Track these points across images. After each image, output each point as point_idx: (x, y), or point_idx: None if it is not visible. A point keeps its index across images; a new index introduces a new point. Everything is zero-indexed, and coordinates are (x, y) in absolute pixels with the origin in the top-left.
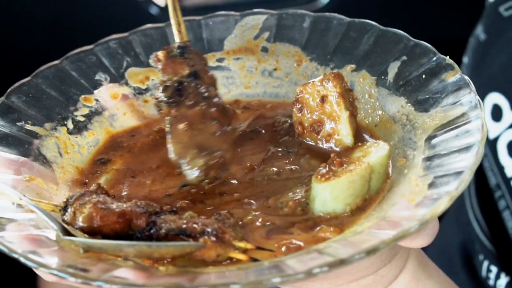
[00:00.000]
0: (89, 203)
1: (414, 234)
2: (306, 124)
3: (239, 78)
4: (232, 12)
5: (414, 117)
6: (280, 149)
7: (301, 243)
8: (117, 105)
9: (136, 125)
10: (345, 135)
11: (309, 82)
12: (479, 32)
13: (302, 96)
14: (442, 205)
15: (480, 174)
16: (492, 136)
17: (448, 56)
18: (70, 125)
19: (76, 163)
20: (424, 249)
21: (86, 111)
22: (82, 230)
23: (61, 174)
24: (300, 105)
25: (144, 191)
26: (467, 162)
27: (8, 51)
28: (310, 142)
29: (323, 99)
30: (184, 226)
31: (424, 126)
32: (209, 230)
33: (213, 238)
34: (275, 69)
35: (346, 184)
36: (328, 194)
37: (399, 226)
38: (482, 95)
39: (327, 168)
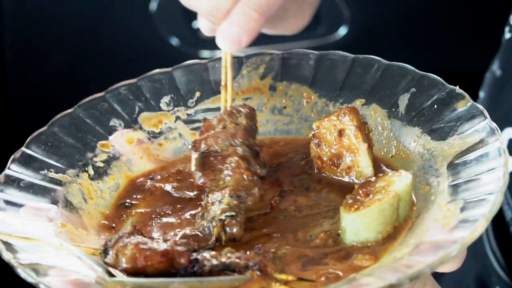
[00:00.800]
0: (130, 244)
1: None
2: (325, 159)
3: None
4: (237, 54)
5: (432, 145)
6: (297, 185)
7: (340, 272)
8: (133, 149)
9: (153, 168)
10: (365, 166)
11: (325, 117)
12: (495, 68)
13: (319, 132)
14: (480, 227)
15: None
16: (508, 170)
17: (458, 86)
18: (91, 171)
19: (101, 208)
20: (441, 280)
21: (104, 157)
22: (126, 271)
23: (88, 220)
24: (317, 140)
25: (174, 231)
26: (495, 185)
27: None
28: (329, 176)
29: (341, 133)
30: (227, 261)
31: (444, 153)
32: (251, 264)
33: (257, 272)
34: (285, 107)
35: (376, 212)
36: (360, 223)
37: (439, 250)
38: None
39: (354, 199)
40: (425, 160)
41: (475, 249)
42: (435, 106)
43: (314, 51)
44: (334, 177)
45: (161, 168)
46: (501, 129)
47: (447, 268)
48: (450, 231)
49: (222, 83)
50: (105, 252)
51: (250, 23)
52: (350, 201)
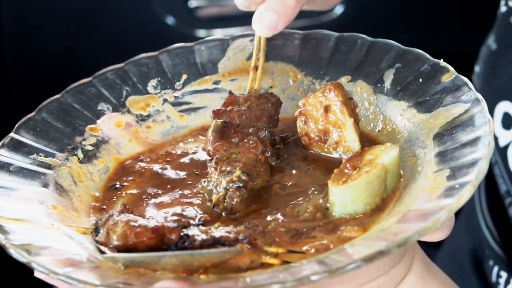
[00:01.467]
0: (121, 222)
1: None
2: (312, 135)
3: None
4: (222, 36)
5: (418, 118)
6: (282, 164)
7: (330, 244)
8: (121, 133)
9: (141, 150)
10: (352, 141)
11: (311, 94)
12: (491, 41)
13: (305, 109)
14: (466, 193)
15: (490, 181)
16: (502, 143)
17: (442, 59)
18: (80, 154)
19: (91, 191)
20: (436, 254)
21: (93, 140)
22: (117, 248)
23: (79, 202)
24: (304, 118)
25: (164, 210)
26: (481, 153)
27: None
28: (317, 153)
29: (327, 109)
30: (217, 235)
31: (430, 125)
32: (241, 237)
33: (247, 245)
34: (271, 87)
35: (363, 185)
36: (348, 195)
37: (428, 217)
38: (493, 103)
39: (341, 173)
40: (411, 132)
41: (469, 223)
42: (420, 80)
43: (299, 30)
44: (322, 153)
45: (150, 150)
46: (496, 103)
47: (436, 236)
48: (437, 199)
49: (252, 64)
50: (96, 230)
51: (287, 10)
52: (338, 174)
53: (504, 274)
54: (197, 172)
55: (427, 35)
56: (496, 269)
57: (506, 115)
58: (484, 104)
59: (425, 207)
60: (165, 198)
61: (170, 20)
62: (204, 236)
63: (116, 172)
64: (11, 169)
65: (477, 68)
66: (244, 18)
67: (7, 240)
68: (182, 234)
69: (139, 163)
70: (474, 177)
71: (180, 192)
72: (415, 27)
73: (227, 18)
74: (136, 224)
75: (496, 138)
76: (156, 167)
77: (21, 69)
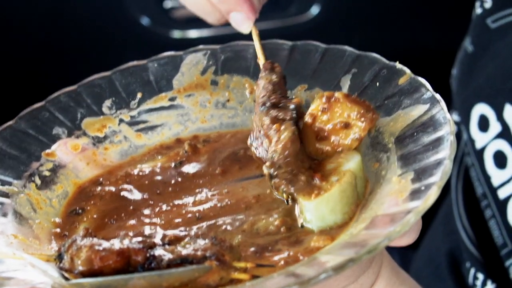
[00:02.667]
0: (85, 246)
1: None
2: (316, 123)
3: (194, 114)
4: (173, 52)
5: (377, 122)
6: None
7: (299, 255)
8: (78, 156)
9: (100, 173)
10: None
11: (353, 100)
12: (467, 44)
13: (333, 103)
14: (432, 195)
15: (467, 183)
16: (479, 146)
17: (398, 62)
18: (38, 181)
19: (51, 217)
20: (413, 257)
21: (50, 165)
22: (82, 274)
23: (40, 229)
24: (327, 107)
25: (128, 232)
26: (444, 153)
27: None
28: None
29: (346, 126)
30: (185, 253)
31: (390, 129)
32: (209, 254)
33: (215, 262)
34: (228, 100)
35: (338, 194)
36: (324, 208)
37: (396, 221)
38: (470, 106)
39: (309, 185)
40: (372, 137)
41: (446, 225)
42: (377, 84)
43: (251, 42)
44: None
45: (109, 172)
46: (473, 105)
47: (404, 241)
48: (403, 202)
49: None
50: (59, 257)
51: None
52: (306, 188)
53: (480, 276)
54: (158, 192)
55: (404, 34)
56: (472, 271)
57: (482, 117)
58: (443, 103)
59: (392, 211)
60: (128, 220)
61: (145, 20)
62: (170, 256)
63: (76, 196)
64: None
65: (454, 71)
66: None
67: None
68: (148, 255)
69: (98, 186)
70: (439, 178)
71: (143, 212)
72: (391, 26)
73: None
74: (101, 248)
75: (472, 141)
76: (116, 189)
77: None
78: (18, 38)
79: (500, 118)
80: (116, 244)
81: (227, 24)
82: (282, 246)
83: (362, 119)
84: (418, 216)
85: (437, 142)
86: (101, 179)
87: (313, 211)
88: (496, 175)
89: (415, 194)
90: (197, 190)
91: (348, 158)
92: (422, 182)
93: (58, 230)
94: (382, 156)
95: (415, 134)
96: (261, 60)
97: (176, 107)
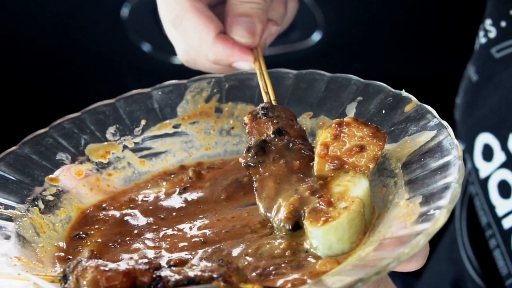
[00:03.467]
0: (90, 267)
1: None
2: (330, 153)
3: (198, 141)
4: (178, 81)
5: (384, 148)
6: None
7: (305, 278)
8: (82, 181)
9: (103, 198)
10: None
11: (361, 123)
12: (471, 73)
13: (346, 129)
14: (442, 217)
15: (471, 213)
16: (483, 175)
17: (403, 90)
18: (41, 205)
19: (54, 241)
20: (415, 285)
21: (54, 190)
22: None
23: (43, 253)
24: (338, 132)
25: (132, 256)
26: (452, 177)
27: None
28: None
29: (362, 149)
30: (192, 275)
31: (397, 155)
32: (216, 275)
33: (222, 283)
34: (233, 128)
35: (347, 222)
36: (332, 236)
37: (405, 243)
38: (474, 135)
39: (315, 210)
40: (379, 163)
41: (451, 254)
42: (383, 111)
43: (254, 71)
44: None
45: (112, 198)
46: (477, 134)
47: (412, 266)
48: (412, 225)
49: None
50: (64, 278)
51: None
52: (313, 212)
53: None
54: (162, 216)
55: (404, 61)
56: None
57: (486, 147)
58: (449, 130)
59: (401, 233)
60: (132, 244)
61: (146, 47)
62: (177, 276)
63: (79, 221)
64: None
65: (458, 100)
66: None
67: None
68: (154, 275)
69: (102, 211)
70: (448, 201)
71: (147, 237)
72: (392, 52)
73: None
74: (107, 268)
75: (476, 170)
76: (120, 214)
77: None
78: (19, 62)
79: (504, 147)
80: (122, 265)
81: None
82: (286, 269)
83: (375, 139)
84: (428, 238)
85: (445, 167)
86: (104, 204)
87: (321, 238)
88: (501, 205)
89: (424, 217)
90: (201, 215)
91: (355, 182)
92: (431, 205)
93: (61, 254)
94: (389, 181)
95: (422, 159)
96: (270, 96)
97: (180, 134)
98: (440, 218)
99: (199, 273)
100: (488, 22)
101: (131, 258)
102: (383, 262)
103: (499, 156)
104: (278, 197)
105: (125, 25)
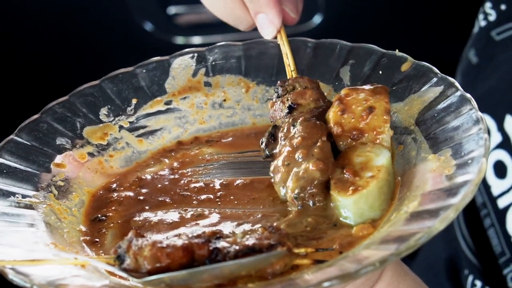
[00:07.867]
0: (147, 245)
1: None
2: (345, 128)
3: (191, 115)
4: (160, 58)
5: (392, 107)
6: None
7: (351, 238)
8: (86, 165)
9: (110, 180)
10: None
11: (358, 88)
12: (471, 55)
13: (347, 100)
14: (484, 163)
15: None
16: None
17: (397, 50)
18: (54, 191)
19: (76, 226)
20: (412, 263)
21: (63, 175)
22: (149, 272)
23: (70, 238)
24: (343, 107)
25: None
26: (477, 128)
27: None
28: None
29: (371, 109)
30: (250, 243)
31: (407, 112)
32: (273, 242)
33: (285, 248)
34: (225, 100)
35: (377, 191)
36: (364, 204)
37: (457, 194)
38: None
39: (341, 180)
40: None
41: (446, 233)
42: (380, 72)
43: (238, 42)
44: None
45: (118, 179)
46: None
47: None
48: (449, 179)
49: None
50: (119, 259)
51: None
52: (339, 183)
53: (478, 283)
54: (183, 193)
55: (405, 42)
56: (471, 278)
57: None
58: (457, 84)
59: (444, 186)
60: (158, 222)
61: (148, 26)
62: (236, 247)
63: (92, 205)
64: None
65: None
66: (223, 26)
67: (31, 281)
68: (211, 248)
69: (113, 192)
70: (483, 153)
71: (172, 212)
72: (394, 35)
73: (206, 25)
74: (164, 245)
75: None
76: (134, 194)
77: None
78: (19, 40)
79: (500, 128)
80: (177, 240)
81: (236, 30)
82: (323, 233)
83: (377, 95)
84: (477, 187)
85: (465, 119)
86: (113, 185)
87: (352, 206)
88: (496, 185)
89: (461, 170)
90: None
91: (377, 153)
92: (464, 157)
93: (87, 237)
94: (405, 138)
95: (436, 114)
96: (291, 67)
97: (173, 110)
98: (482, 163)
99: (257, 242)
100: (488, 5)
101: (181, 234)
102: (445, 212)
103: (495, 137)
104: (289, 178)
105: (127, 4)
